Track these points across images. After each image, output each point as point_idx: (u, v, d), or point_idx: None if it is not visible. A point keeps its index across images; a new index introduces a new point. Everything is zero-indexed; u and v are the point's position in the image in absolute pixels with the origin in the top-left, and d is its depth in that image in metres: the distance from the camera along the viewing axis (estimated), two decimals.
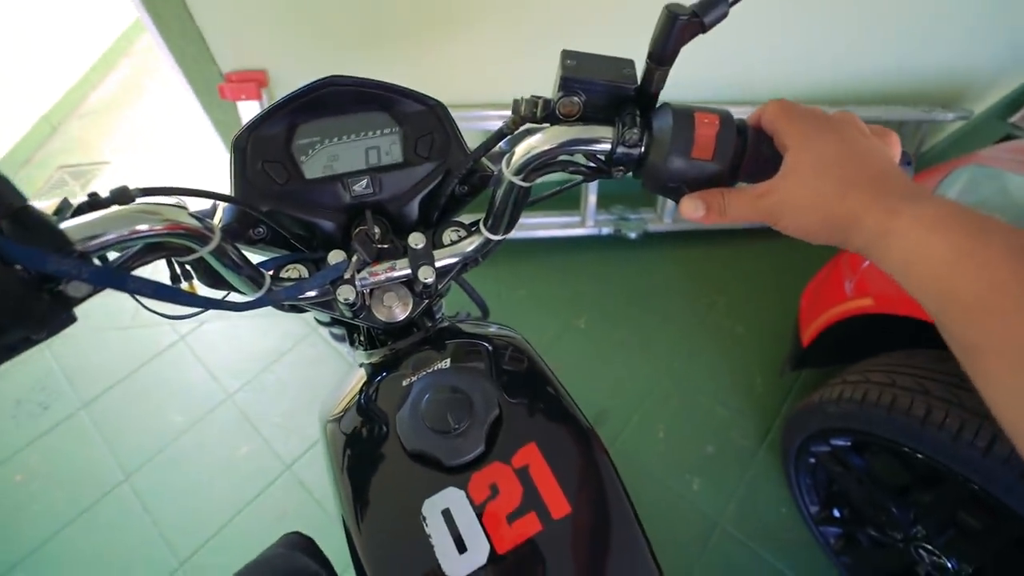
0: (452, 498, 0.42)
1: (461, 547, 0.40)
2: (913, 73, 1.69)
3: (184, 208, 0.38)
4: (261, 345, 1.68)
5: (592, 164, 0.43)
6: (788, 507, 1.33)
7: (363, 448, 0.47)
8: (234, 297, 0.46)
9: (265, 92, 1.47)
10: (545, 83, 0.43)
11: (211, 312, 0.46)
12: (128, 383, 1.60)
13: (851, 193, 0.32)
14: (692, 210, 0.39)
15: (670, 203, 1.78)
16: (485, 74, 1.51)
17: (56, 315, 0.30)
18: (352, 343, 0.72)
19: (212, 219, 0.51)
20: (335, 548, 0.56)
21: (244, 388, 1.59)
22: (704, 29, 0.35)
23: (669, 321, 1.71)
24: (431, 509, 0.42)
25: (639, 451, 1.44)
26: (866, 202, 0.31)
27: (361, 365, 0.57)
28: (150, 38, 1.40)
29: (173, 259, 0.40)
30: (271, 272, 0.50)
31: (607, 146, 0.40)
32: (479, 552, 0.40)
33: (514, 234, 1.99)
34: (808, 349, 1.26)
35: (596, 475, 0.45)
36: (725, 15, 0.35)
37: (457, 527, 0.41)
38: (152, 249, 0.37)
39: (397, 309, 0.55)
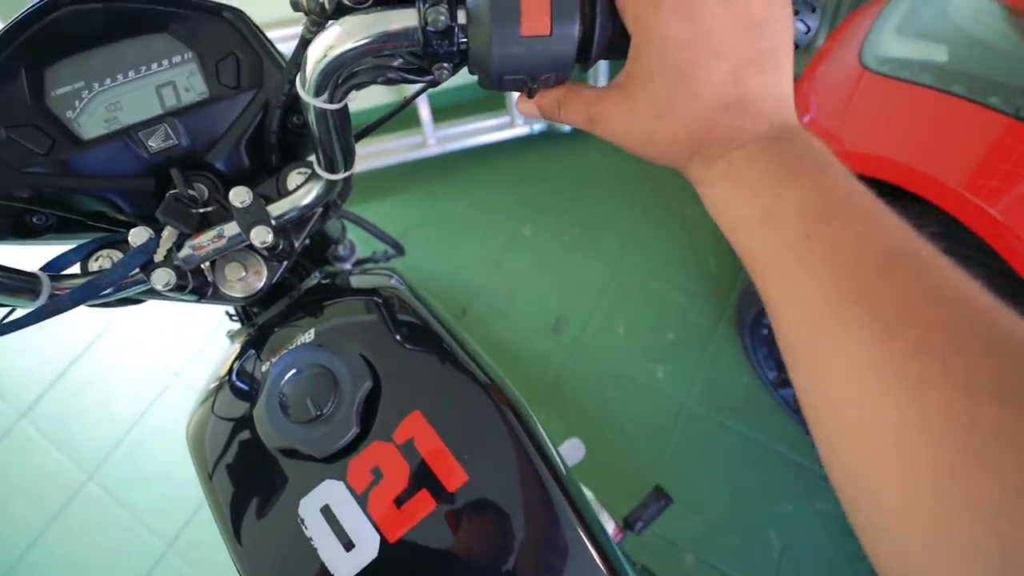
0: (330, 492, 0.37)
1: (348, 544, 0.36)
2: None
3: None
4: (199, 316, 1.57)
5: (411, 65, 0.33)
6: (750, 376, 1.36)
7: (228, 448, 0.41)
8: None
9: None
10: None
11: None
12: (63, 384, 1.50)
13: (684, 135, 0.29)
14: (526, 109, 0.33)
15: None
16: None
17: None
18: (231, 316, 0.63)
19: None
20: None
21: (189, 364, 1.51)
22: None
23: (617, 213, 1.65)
24: (308, 508, 0.36)
25: (602, 350, 1.44)
26: (688, 151, 0.29)
27: (230, 344, 0.49)
28: None
29: None
30: (64, 271, 0.40)
31: (416, 40, 0.30)
32: (368, 546, 0.35)
33: (440, 148, 1.84)
34: None
35: (496, 434, 0.39)
36: None
37: (340, 523, 0.36)
38: None
39: (251, 279, 0.46)
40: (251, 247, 0.45)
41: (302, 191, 0.43)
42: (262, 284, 0.46)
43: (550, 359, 1.43)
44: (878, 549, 0.22)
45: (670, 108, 0.28)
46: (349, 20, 0.30)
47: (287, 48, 0.37)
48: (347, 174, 0.42)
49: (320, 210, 0.47)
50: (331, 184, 0.43)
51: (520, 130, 1.67)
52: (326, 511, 0.36)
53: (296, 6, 0.32)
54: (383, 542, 0.35)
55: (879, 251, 0.23)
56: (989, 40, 0.87)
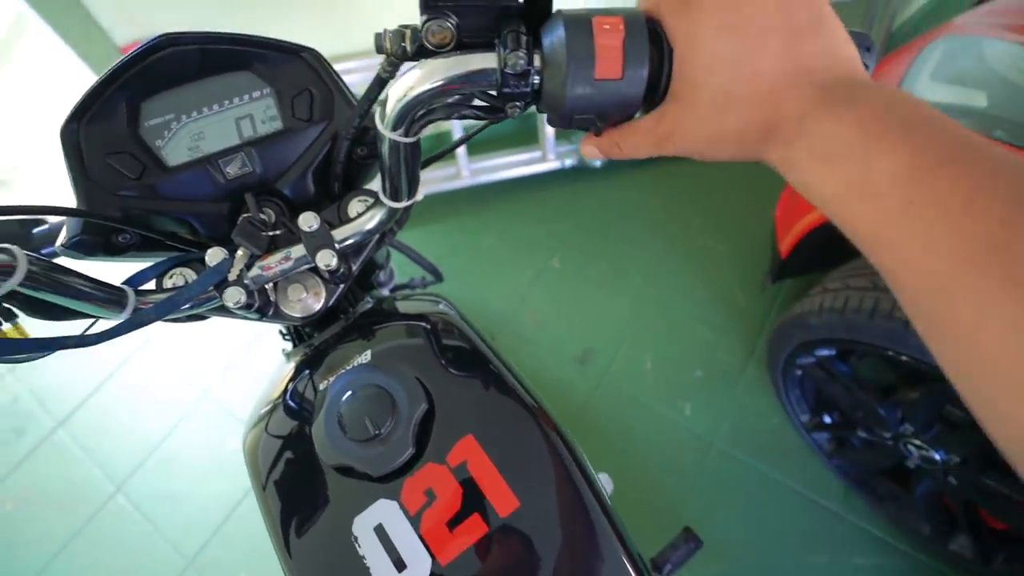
0: (384, 511, 0.37)
1: (400, 565, 0.36)
2: None
3: None
4: (229, 335, 1.61)
5: (485, 103, 0.35)
6: (780, 418, 1.33)
7: (285, 463, 0.42)
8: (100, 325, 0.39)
9: None
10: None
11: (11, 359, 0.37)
12: (99, 396, 1.55)
13: (753, 121, 0.28)
14: (589, 153, 0.35)
15: None
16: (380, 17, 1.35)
17: None
18: (284, 336, 0.66)
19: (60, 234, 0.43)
20: None
21: (219, 382, 1.54)
22: None
23: (645, 248, 1.65)
24: (362, 527, 0.37)
25: (629, 384, 1.42)
26: (760, 137, 0.28)
27: (285, 363, 0.51)
28: (30, 40, 1.23)
29: None
30: (141, 286, 0.42)
31: (493, 78, 0.32)
32: (420, 567, 0.36)
33: (472, 180, 1.88)
34: (787, 259, 1.21)
35: (545, 459, 0.40)
36: None
37: (393, 543, 0.36)
38: None
39: (310, 300, 0.48)
40: (313, 270, 0.48)
41: (365, 217, 0.45)
42: (320, 305, 0.48)
43: (576, 391, 1.42)
44: None
45: (732, 98, 0.28)
46: (432, 63, 0.33)
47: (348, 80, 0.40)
48: (410, 203, 0.45)
49: (378, 236, 0.49)
50: (393, 212, 0.45)
51: (551, 164, 1.70)
52: (379, 530, 0.37)
53: (379, 49, 0.34)
54: (435, 564, 0.36)
55: (996, 201, 0.21)
56: None
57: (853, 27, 0.31)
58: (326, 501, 0.39)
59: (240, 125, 0.46)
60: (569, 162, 1.71)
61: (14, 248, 0.30)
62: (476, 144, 1.72)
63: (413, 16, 0.32)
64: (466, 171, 1.69)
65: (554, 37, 0.30)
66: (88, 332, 0.37)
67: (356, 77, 1.31)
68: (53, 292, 0.33)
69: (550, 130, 1.65)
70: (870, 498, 1.18)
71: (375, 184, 0.49)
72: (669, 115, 0.31)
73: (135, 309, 0.39)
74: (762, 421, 1.34)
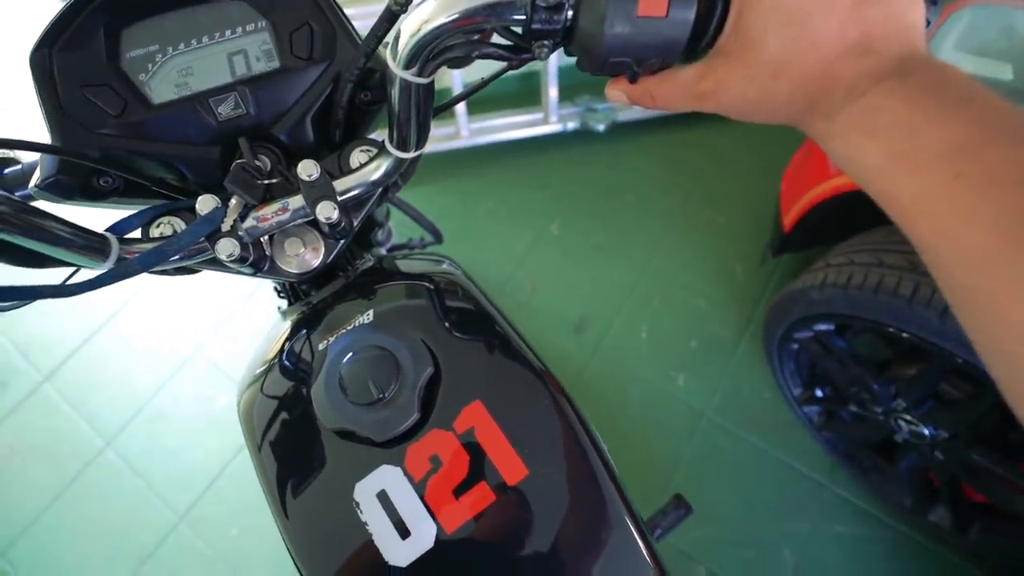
0: (387, 477, 0.36)
1: (404, 532, 0.35)
2: None
3: None
4: (221, 290, 1.58)
5: (508, 42, 0.32)
6: (771, 391, 1.34)
7: (282, 426, 0.40)
8: (80, 275, 0.36)
9: None
10: None
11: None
12: (87, 350, 1.51)
13: (803, 89, 0.27)
14: (616, 96, 0.33)
15: None
16: None
17: None
18: (280, 293, 0.63)
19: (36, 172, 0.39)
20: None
21: (211, 338, 1.52)
22: None
23: (646, 216, 1.63)
24: (364, 493, 0.36)
25: (624, 353, 1.42)
26: (806, 105, 0.28)
27: (281, 322, 0.49)
28: None
29: None
30: (125, 234, 0.39)
31: (521, 12, 0.29)
32: (425, 535, 0.35)
33: (472, 140, 1.83)
34: (790, 233, 1.20)
35: (554, 426, 0.38)
36: None
37: (396, 510, 0.35)
38: None
39: (308, 256, 0.45)
40: (312, 223, 0.45)
41: (370, 168, 0.42)
42: (319, 261, 0.45)
43: (571, 359, 1.42)
44: None
45: (788, 62, 0.26)
46: None
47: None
48: (417, 153, 0.42)
49: (381, 190, 0.46)
50: (399, 163, 0.42)
51: (554, 127, 1.65)
52: (382, 496, 0.35)
53: None
54: (440, 532, 0.35)
55: None
56: None
57: None
58: (326, 464, 0.37)
59: (233, 61, 0.42)
60: (571, 125, 1.66)
61: None
62: (476, 103, 1.66)
63: None
64: (465, 131, 1.63)
65: None
66: (68, 282, 0.34)
67: (361, 24, 1.23)
68: (26, 236, 0.30)
69: (553, 91, 1.59)
70: (855, 470, 1.21)
71: (379, 134, 0.46)
72: (715, 71, 0.29)
73: (119, 259, 0.36)
74: (754, 394, 1.35)
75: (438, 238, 0.83)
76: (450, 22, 0.30)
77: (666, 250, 1.57)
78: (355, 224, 0.46)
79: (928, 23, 0.30)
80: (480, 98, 1.72)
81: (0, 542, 1.28)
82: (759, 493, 1.26)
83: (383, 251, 0.84)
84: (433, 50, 0.31)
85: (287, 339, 0.44)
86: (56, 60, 0.37)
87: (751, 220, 1.57)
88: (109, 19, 0.38)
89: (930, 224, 0.24)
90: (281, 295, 0.61)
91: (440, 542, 0.34)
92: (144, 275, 0.38)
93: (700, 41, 0.29)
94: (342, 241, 0.47)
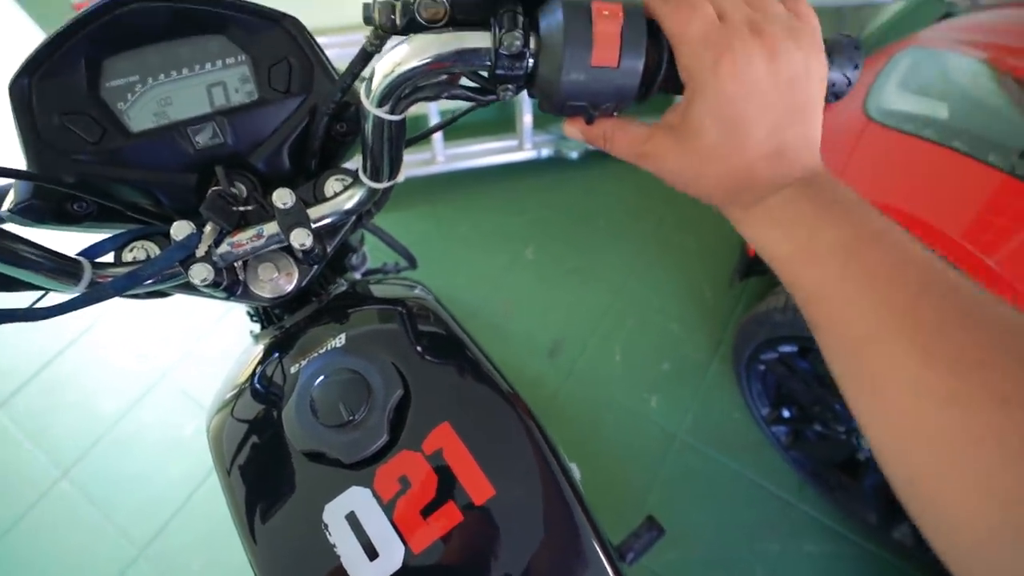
0: (356, 499, 0.36)
1: (372, 553, 0.35)
2: None
3: None
4: (191, 313, 1.55)
5: (475, 84, 0.34)
6: (741, 412, 1.37)
7: (252, 448, 0.40)
8: (50, 298, 0.36)
9: None
10: None
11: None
12: (44, 377, 1.46)
13: (730, 181, 0.31)
14: (572, 134, 0.36)
15: None
16: None
17: None
18: (252, 317, 0.63)
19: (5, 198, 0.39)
20: None
21: (180, 363, 1.48)
22: None
23: (619, 241, 1.67)
24: (333, 514, 0.36)
25: (597, 376, 1.44)
26: (729, 195, 0.32)
27: (253, 346, 0.49)
28: None
29: None
30: (98, 258, 0.39)
31: (486, 58, 0.31)
32: (392, 556, 0.35)
33: (447, 166, 1.85)
34: (754, 257, 1.25)
35: (522, 447, 0.40)
36: None
37: (365, 531, 0.36)
38: None
39: (281, 281, 0.46)
40: (285, 249, 0.46)
41: (344, 196, 0.44)
42: (292, 286, 0.46)
43: (545, 382, 1.43)
44: (940, 540, 0.24)
45: (718, 156, 0.31)
46: (423, 37, 0.31)
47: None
48: (390, 184, 0.43)
49: (355, 218, 0.47)
50: (372, 192, 0.44)
51: (528, 153, 1.70)
52: (351, 518, 0.36)
53: (368, 20, 0.33)
54: (408, 552, 0.35)
55: (912, 279, 0.25)
56: (987, 101, 0.92)
57: (825, 33, 0.32)
58: (295, 487, 0.38)
59: (212, 92, 0.43)
60: (546, 152, 1.70)
61: None
62: (452, 130, 1.69)
63: None
64: (441, 156, 1.66)
65: (552, 20, 0.29)
66: (37, 305, 0.35)
67: (337, 52, 1.27)
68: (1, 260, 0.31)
69: (528, 119, 1.64)
70: (822, 488, 1.24)
71: (353, 163, 0.48)
72: (659, 140, 0.32)
73: (91, 283, 0.37)
74: (724, 414, 1.38)
75: (412, 263, 0.84)
76: (422, 66, 0.32)
77: (639, 274, 1.61)
78: (329, 250, 0.47)
79: (850, 83, 0.34)
80: (456, 125, 1.75)
81: None
82: (731, 513, 1.27)
83: (357, 276, 0.85)
84: (404, 90, 0.33)
85: (259, 363, 0.45)
86: (35, 88, 0.38)
87: (720, 244, 1.63)
88: (91, 50, 0.39)
89: (824, 309, 0.28)
90: (254, 319, 0.61)
91: (408, 563, 0.35)
92: (114, 299, 0.38)
93: (650, 87, 0.32)
94: (315, 267, 0.48)
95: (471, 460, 0.38)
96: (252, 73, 0.44)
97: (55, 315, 0.33)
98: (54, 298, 0.36)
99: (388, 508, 0.36)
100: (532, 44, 0.30)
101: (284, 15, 0.43)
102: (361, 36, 1.37)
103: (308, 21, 0.46)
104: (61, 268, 0.35)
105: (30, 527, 1.26)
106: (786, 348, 1.09)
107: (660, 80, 0.31)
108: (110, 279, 0.37)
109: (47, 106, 0.38)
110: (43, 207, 0.39)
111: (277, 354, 0.45)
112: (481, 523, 0.36)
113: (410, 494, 0.36)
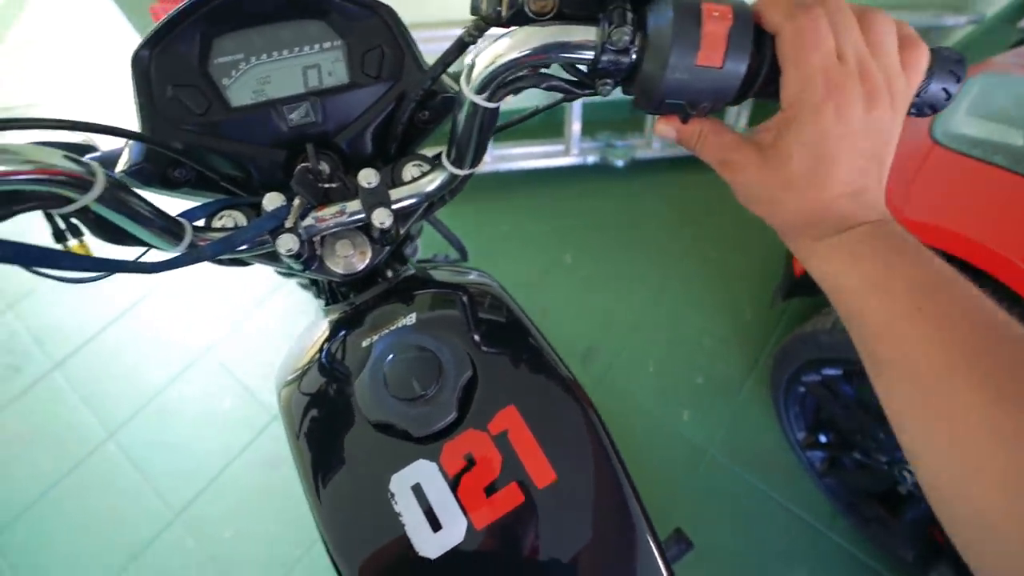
0: (423, 472, 0.37)
1: (435, 524, 0.36)
2: None
3: (58, 147, 0.30)
4: (238, 292, 1.61)
5: (573, 77, 0.35)
6: (775, 434, 1.34)
7: (322, 416, 0.42)
8: (152, 255, 0.38)
9: None
10: None
11: (67, 279, 0.37)
12: (100, 341, 1.53)
13: (808, 213, 0.32)
14: (664, 132, 0.36)
15: None
16: None
17: None
18: (317, 294, 0.65)
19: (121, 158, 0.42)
20: None
21: (224, 339, 1.53)
22: None
23: (658, 252, 1.66)
24: (400, 484, 0.37)
25: (630, 385, 1.43)
26: (802, 225, 0.33)
27: (319, 322, 0.51)
28: None
29: (50, 212, 0.32)
30: (196, 223, 0.42)
31: (590, 52, 0.32)
32: (455, 529, 0.36)
33: (493, 167, 1.87)
34: (800, 278, 1.22)
35: (583, 436, 0.40)
36: None
37: (429, 503, 0.37)
38: (13, 199, 0.29)
39: (354, 259, 0.48)
40: (363, 228, 0.48)
41: (425, 180, 0.45)
42: (364, 265, 0.48)
43: None
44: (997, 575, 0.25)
45: (800, 186, 0.32)
46: (528, 29, 0.33)
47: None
48: (470, 171, 0.45)
49: (428, 204, 0.49)
50: (452, 178, 0.45)
51: (573, 159, 1.70)
52: (416, 489, 0.37)
53: (475, 10, 0.34)
54: (470, 527, 0.36)
55: (983, 321, 0.27)
56: None
57: None
58: (364, 456, 0.39)
59: (307, 74, 0.45)
60: (591, 159, 1.71)
61: (94, 164, 0.30)
62: (500, 132, 1.71)
63: None
64: (488, 156, 1.68)
65: (661, 18, 0.30)
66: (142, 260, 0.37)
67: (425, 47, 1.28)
68: (121, 213, 0.33)
69: (576, 126, 1.65)
70: (856, 520, 1.20)
71: (429, 150, 0.49)
72: (744, 152, 0.33)
73: (191, 244, 0.39)
74: (757, 435, 1.35)
75: (464, 255, 0.86)
76: (525, 56, 0.33)
77: (677, 287, 1.60)
78: (401, 233, 0.49)
79: (949, 97, 0.34)
80: (505, 127, 1.78)
81: None
82: (758, 536, 1.24)
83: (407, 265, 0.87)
84: (505, 78, 0.35)
85: (329, 336, 0.47)
86: (154, 60, 0.40)
87: (762, 263, 1.60)
88: (205, 28, 0.41)
89: (894, 345, 0.29)
90: (319, 296, 0.63)
91: (470, 537, 0.36)
92: (202, 263, 0.40)
93: (749, 89, 0.32)
94: (387, 248, 0.49)
95: (535, 444, 0.38)
96: (345, 57, 0.46)
97: (161, 270, 0.35)
98: (154, 256, 0.39)
99: (453, 483, 0.37)
100: (638, 40, 0.31)
101: (383, 5, 0.45)
102: (438, 32, 1.40)
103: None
104: (167, 227, 0.37)
105: (77, 482, 1.33)
106: (830, 371, 1.07)
107: (758, 85, 0.32)
108: (207, 243, 0.40)
109: (163, 77, 0.41)
110: (151, 171, 0.42)
111: (348, 329, 0.46)
112: (542, 507, 0.37)
113: (475, 471, 0.37)
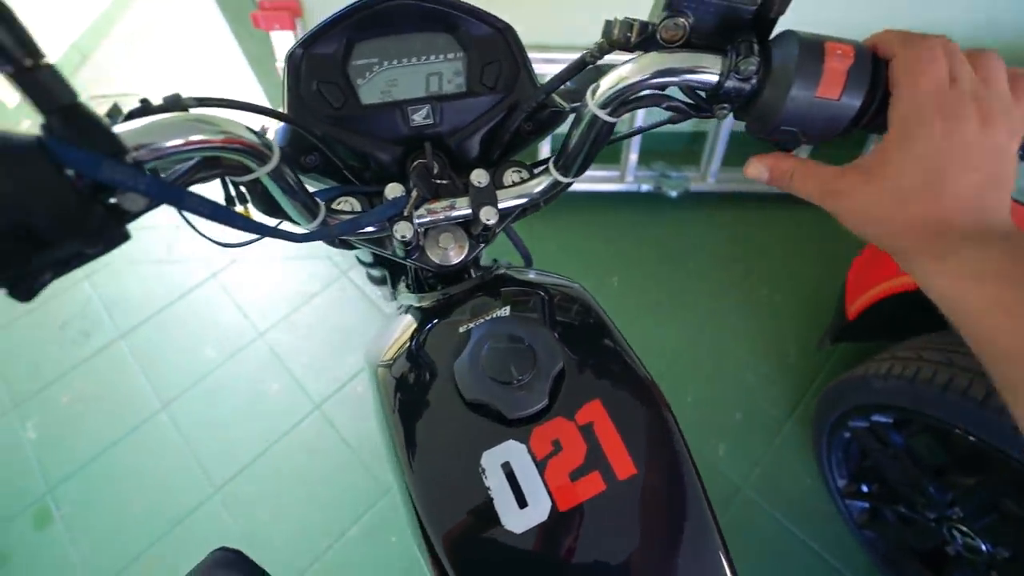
0: (513, 451, 0.40)
1: (521, 502, 0.38)
2: (1001, 28, 1.53)
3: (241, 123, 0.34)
4: (290, 286, 1.68)
5: (690, 100, 0.39)
6: (813, 479, 1.31)
7: (418, 394, 0.45)
8: (287, 227, 0.43)
9: (299, 22, 1.41)
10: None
11: (242, 250, 0.43)
12: (163, 316, 1.63)
13: (924, 227, 0.32)
14: (756, 173, 0.37)
15: (716, 161, 1.69)
16: (559, 11, 1.38)
17: (111, 229, 0.27)
18: (394, 285, 0.69)
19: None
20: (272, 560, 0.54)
21: (274, 327, 1.60)
22: None
23: (704, 283, 1.66)
24: (490, 461, 0.40)
25: None
26: (920, 241, 0.32)
27: (406, 311, 0.55)
28: None
29: (228, 179, 0.37)
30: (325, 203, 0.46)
31: (713, 78, 0.35)
32: (540, 508, 0.38)
33: None
34: (853, 322, 1.21)
35: (661, 435, 0.42)
36: None
37: (518, 481, 0.39)
38: (207, 165, 0.34)
39: (452, 252, 0.52)
40: (463, 224, 0.52)
41: (532, 183, 0.49)
42: (460, 259, 0.52)
43: None
44: None
45: (914, 200, 0.32)
46: (656, 55, 0.36)
47: None
48: (573, 180, 0.48)
49: (522, 209, 0.52)
50: (555, 184, 0.49)
51: (628, 186, 1.73)
52: (506, 467, 0.39)
53: (607, 34, 0.38)
54: (554, 508, 0.38)
55: None
56: None
57: None
58: (458, 431, 0.42)
59: (430, 80, 0.50)
60: (645, 187, 1.74)
61: (273, 142, 0.35)
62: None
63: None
64: None
65: (787, 51, 0.33)
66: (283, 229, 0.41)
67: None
68: (281, 187, 0.37)
69: (633, 154, 1.68)
70: None
71: (523, 159, 0.53)
72: (848, 179, 0.34)
73: (323, 221, 0.43)
74: (794, 478, 1.33)
75: (529, 263, 0.89)
76: (650, 78, 0.36)
77: (720, 320, 1.59)
78: (497, 232, 0.53)
79: None
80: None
81: (50, 479, 1.35)
82: None
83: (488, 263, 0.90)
84: (627, 97, 0.38)
85: (424, 321, 0.50)
86: (306, 58, 0.46)
87: (809, 304, 1.58)
88: (351, 33, 0.46)
89: None
90: (409, 287, 0.67)
91: (553, 517, 0.38)
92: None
93: (859, 121, 0.34)
94: (482, 245, 0.53)
95: (618, 438, 0.41)
96: (466, 68, 0.50)
97: (301, 241, 0.39)
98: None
99: (540, 465, 0.39)
100: (761, 70, 0.34)
101: (505, 24, 0.49)
102: (550, 55, 1.45)
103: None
104: (307, 205, 0.41)
105: (130, 447, 1.40)
106: (880, 418, 1.05)
107: (869, 116, 0.34)
108: (337, 222, 0.44)
109: (310, 73, 0.46)
110: (290, 155, 0.46)
111: (440, 317, 0.50)
112: (622, 497, 0.39)
113: (561, 456, 0.40)
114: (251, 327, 1.61)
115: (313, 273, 1.70)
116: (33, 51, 0.22)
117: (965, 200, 0.31)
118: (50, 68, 0.23)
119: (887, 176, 0.32)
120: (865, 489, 1.20)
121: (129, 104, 0.32)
